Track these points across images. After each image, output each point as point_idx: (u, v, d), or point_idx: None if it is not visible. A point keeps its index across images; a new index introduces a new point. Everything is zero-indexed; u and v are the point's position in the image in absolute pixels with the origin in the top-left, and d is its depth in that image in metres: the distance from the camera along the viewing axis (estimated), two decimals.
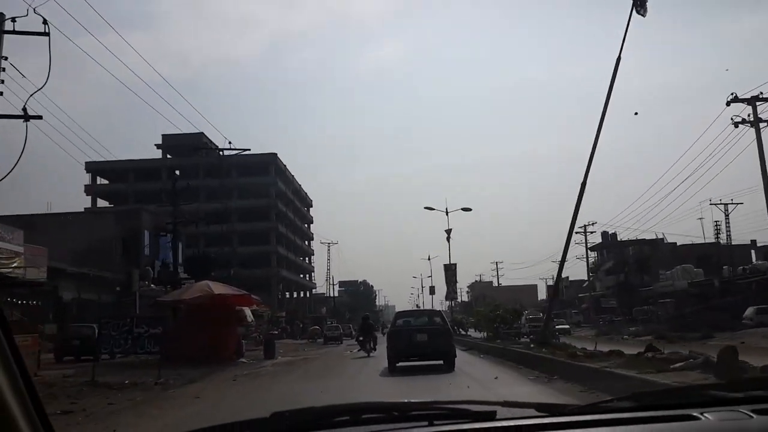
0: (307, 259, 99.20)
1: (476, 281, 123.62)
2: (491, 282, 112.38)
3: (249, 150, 43.82)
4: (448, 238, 38.26)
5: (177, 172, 77.23)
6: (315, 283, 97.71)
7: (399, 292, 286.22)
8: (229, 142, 59.48)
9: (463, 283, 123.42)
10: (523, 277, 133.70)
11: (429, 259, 68.93)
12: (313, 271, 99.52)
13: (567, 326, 43.61)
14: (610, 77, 17.41)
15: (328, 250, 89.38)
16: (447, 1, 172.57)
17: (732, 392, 1.61)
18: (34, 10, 15.37)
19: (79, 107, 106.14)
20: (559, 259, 19.72)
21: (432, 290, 67.71)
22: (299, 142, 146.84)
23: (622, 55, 17.25)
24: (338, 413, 1.56)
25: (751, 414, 1.34)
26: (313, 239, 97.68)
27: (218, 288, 21.62)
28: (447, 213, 37.45)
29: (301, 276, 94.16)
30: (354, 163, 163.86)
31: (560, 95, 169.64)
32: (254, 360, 22.73)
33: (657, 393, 1.89)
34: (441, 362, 15.71)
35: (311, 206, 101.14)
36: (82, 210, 64.87)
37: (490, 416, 1.44)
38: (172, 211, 33.91)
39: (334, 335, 42.60)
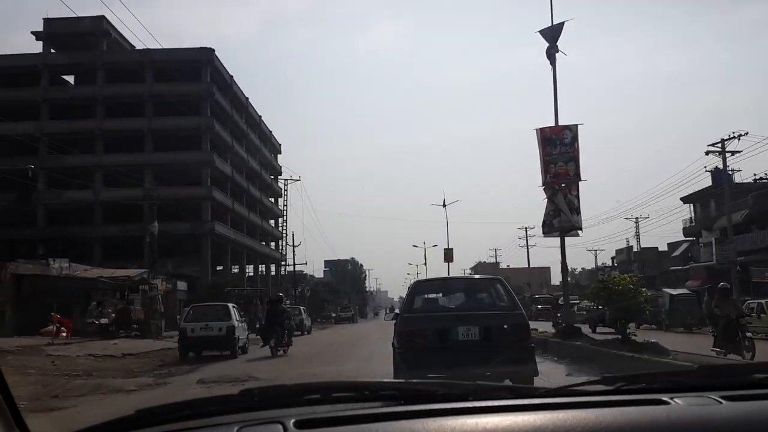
0: (274, 222, 73.81)
1: (480, 262, 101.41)
2: (498, 263, 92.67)
3: None
4: (551, 59, 13.36)
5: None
6: (283, 254, 71.99)
7: (393, 278, 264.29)
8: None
9: (464, 264, 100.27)
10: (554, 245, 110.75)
11: (444, 205, 44.35)
12: (283, 239, 73.98)
13: None
14: None
15: (285, 186, 64.23)
16: None
17: (702, 378, 1.65)
18: None
19: None
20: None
21: (449, 255, 43.15)
22: (290, 117, 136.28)
23: None
24: (309, 391, 1.55)
25: (720, 400, 1.35)
26: (281, 196, 72.05)
27: None
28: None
29: (263, 243, 69.00)
30: (347, 141, 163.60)
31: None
32: None
33: (628, 377, 1.66)
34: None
35: (279, 152, 75.90)
36: None
37: (462, 397, 1.44)
38: None
39: (211, 335, 16.24)
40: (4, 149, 43.75)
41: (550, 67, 14.72)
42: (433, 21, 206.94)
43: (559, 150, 15.13)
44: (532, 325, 21.19)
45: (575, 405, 1.34)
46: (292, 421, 1.27)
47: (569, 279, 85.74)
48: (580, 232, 15.77)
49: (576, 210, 15.13)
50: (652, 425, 1.25)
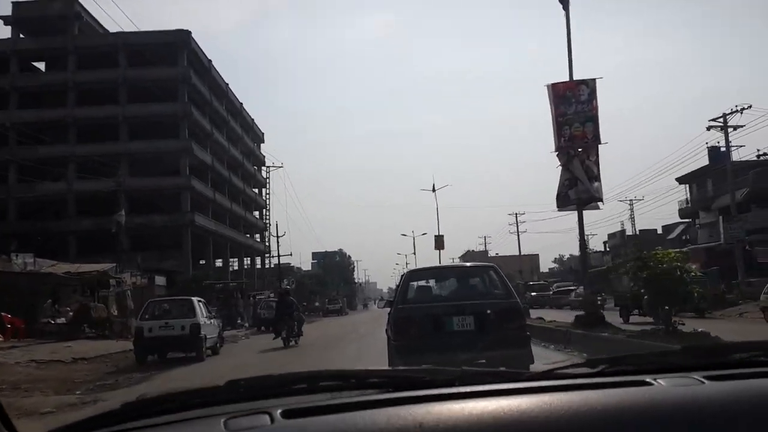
0: (258, 213, 71.54)
1: (469, 251, 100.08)
2: (486, 252, 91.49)
3: None
4: (564, 3, 11.52)
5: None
6: (268, 246, 69.81)
7: (381, 269, 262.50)
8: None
9: (453, 253, 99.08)
10: (550, 230, 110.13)
11: (434, 189, 42.70)
12: (267, 230, 71.79)
13: None
14: None
15: (268, 173, 62.17)
16: None
17: (686, 359, 1.68)
18: None
19: None
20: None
21: (440, 242, 41.46)
22: (276, 111, 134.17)
23: None
24: (295, 381, 1.55)
25: (703, 380, 1.38)
26: (266, 186, 69.74)
27: None
28: None
29: (248, 235, 66.77)
30: (332, 131, 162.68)
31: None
32: None
33: (612, 359, 1.69)
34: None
35: (262, 141, 73.62)
36: None
37: (449, 382, 1.46)
38: None
39: (172, 335, 14.10)
40: None
41: (563, 11, 12.84)
42: (419, 12, 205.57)
43: (574, 109, 13.15)
44: (539, 313, 19.50)
45: (561, 388, 1.35)
46: (279, 411, 1.27)
47: (558, 266, 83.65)
48: (600, 203, 13.77)
49: (595, 178, 13.15)
50: (635, 406, 1.26)
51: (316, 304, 64.79)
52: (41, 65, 50.61)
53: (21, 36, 48.51)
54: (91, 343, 18.31)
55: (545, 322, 15.10)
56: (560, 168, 13.53)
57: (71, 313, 22.09)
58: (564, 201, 13.80)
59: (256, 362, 14.07)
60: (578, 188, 13.20)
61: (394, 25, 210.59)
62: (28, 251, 29.85)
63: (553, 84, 13.63)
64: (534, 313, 20.81)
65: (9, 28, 48.51)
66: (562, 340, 11.32)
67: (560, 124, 13.42)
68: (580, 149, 13.48)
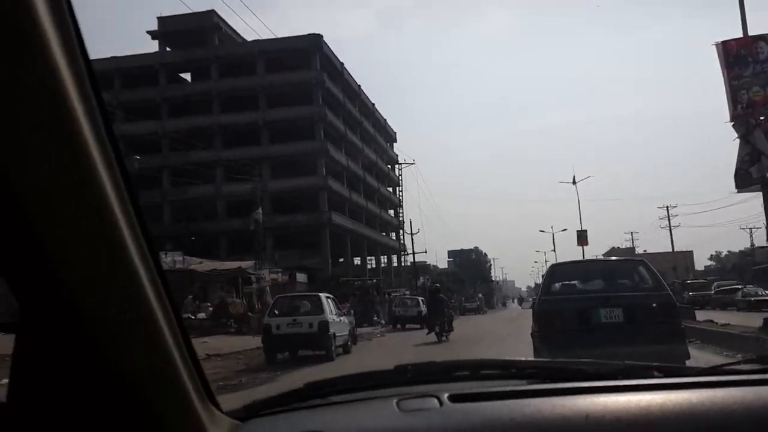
0: (392, 212, 71.84)
1: (614, 247, 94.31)
2: (632, 248, 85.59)
3: None
4: None
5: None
6: (403, 244, 69.88)
7: (518, 267, 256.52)
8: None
9: (595, 250, 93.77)
10: (705, 223, 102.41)
11: (574, 182, 40.39)
12: (401, 228, 71.95)
13: None
14: None
15: (399, 170, 61.86)
16: None
17: None
18: None
19: None
20: None
21: (583, 237, 39.12)
22: (405, 112, 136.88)
23: None
24: (458, 368, 1.63)
25: None
26: (399, 184, 69.85)
27: None
28: None
29: (383, 233, 67.29)
30: (464, 129, 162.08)
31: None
32: None
33: None
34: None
35: (395, 140, 73.89)
36: None
37: (611, 375, 1.44)
38: None
39: (300, 333, 13.48)
40: (129, 150, 44.88)
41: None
42: (543, 8, 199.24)
43: (752, 69, 11.16)
44: (702, 314, 17.33)
45: (731, 383, 1.31)
46: (446, 395, 1.31)
47: (714, 263, 76.09)
48: None
49: None
50: None
51: (456, 303, 63.81)
52: (186, 75, 53.91)
53: (167, 49, 51.91)
54: (229, 338, 18.57)
55: (718, 325, 13.18)
56: (738, 141, 11.54)
57: (211, 309, 22.79)
58: (744, 180, 11.74)
59: (394, 361, 13.42)
60: (762, 164, 11.08)
61: (518, 23, 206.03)
62: (181, 251, 31.75)
63: (723, 42, 11.62)
64: (705, 315, 18.58)
65: (156, 42, 52.17)
66: (753, 347, 9.61)
67: (735, 88, 11.45)
68: (762, 117, 11.41)
